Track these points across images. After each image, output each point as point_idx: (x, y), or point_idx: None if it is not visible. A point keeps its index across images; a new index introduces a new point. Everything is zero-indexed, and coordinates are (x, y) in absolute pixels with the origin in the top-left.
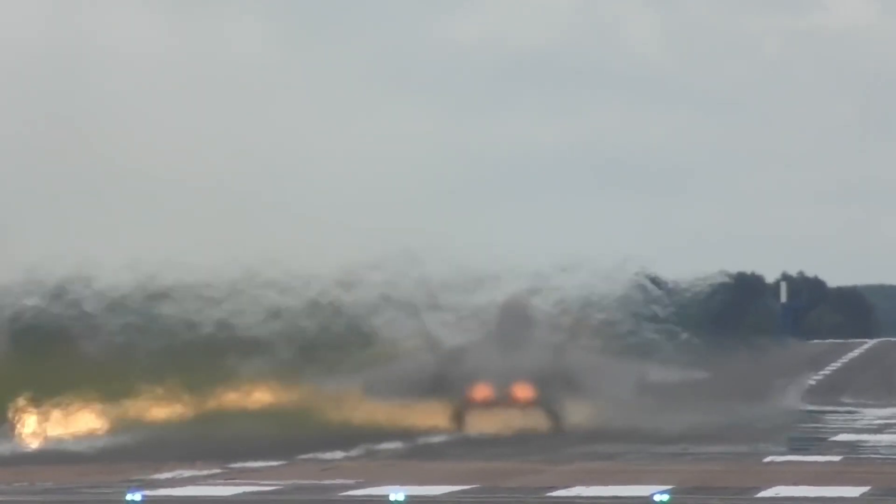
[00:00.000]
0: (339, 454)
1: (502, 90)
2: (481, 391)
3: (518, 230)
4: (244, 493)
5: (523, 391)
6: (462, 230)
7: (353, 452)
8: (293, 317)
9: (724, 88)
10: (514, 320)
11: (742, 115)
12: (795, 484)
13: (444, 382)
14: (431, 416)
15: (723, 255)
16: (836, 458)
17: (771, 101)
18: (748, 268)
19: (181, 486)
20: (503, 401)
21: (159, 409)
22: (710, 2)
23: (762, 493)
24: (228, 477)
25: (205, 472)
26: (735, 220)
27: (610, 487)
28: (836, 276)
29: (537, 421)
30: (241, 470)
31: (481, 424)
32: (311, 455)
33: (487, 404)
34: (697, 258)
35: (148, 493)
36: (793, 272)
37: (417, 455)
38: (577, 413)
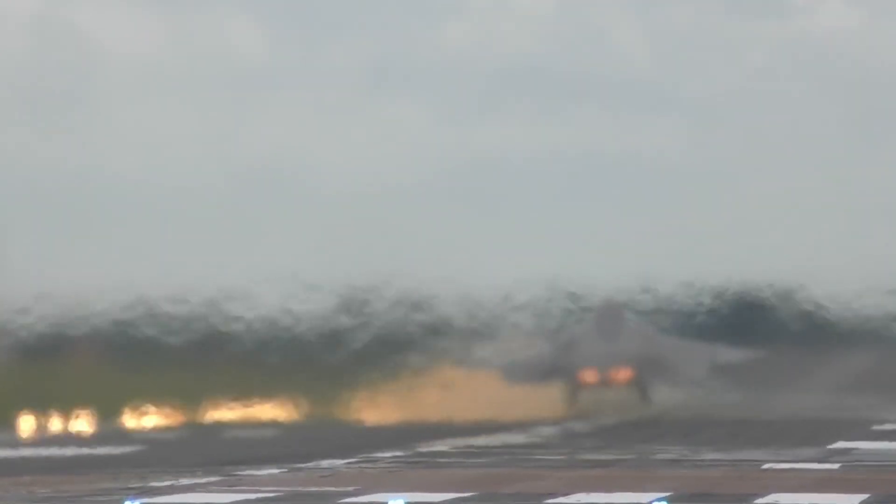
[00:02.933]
0: (338, 461)
1: (490, 97)
2: (589, 375)
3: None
4: (243, 501)
5: (622, 374)
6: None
7: (353, 459)
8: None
9: (711, 95)
10: (610, 317)
11: (730, 121)
12: (794, 491)
13: (558, 369)
14: (547, 400)
15: (722, 260)
16: (835, 466)
17: (758, 108)
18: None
19: (181, 493)
20: (606, 382)
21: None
22: (696, 9)
23: (759, 501)
24: (228, 484)
25: (204, 480)
26: (729, 226)
27: (611, 494)
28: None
29: (632, 399)
30: (242, 477)
31: (589, 403)
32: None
33: (594, 385)
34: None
35: (147, 500)
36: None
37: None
38: (662, 393)
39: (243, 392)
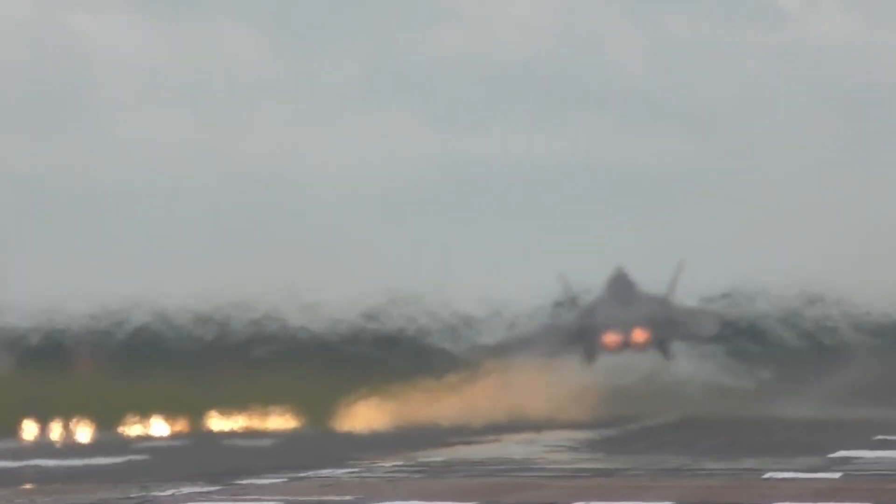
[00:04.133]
0: (339, 471)
1: (485, 105)
2: (610, 338)
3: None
4: None
5: (641, 335)
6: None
7: (355, 468)
8: None
9: (707, 103)
10: (619, 285)
11: (727, 129)
12: (795, 500)
13: (582, 333)
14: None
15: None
16: (836, 476)
17: (755, 116)
18: None
19: (182, 502)
20: (627, 344)
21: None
22: (692, 18)
23: None
24: (230, 493)
25: (205, 489)
26: (723, 235)
27: None
28: None
29: (653, 358)
30: (243, 486)
31: (613, 364)
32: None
33: (615, 348)
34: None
35: None
36: None
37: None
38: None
39: (245, 401)
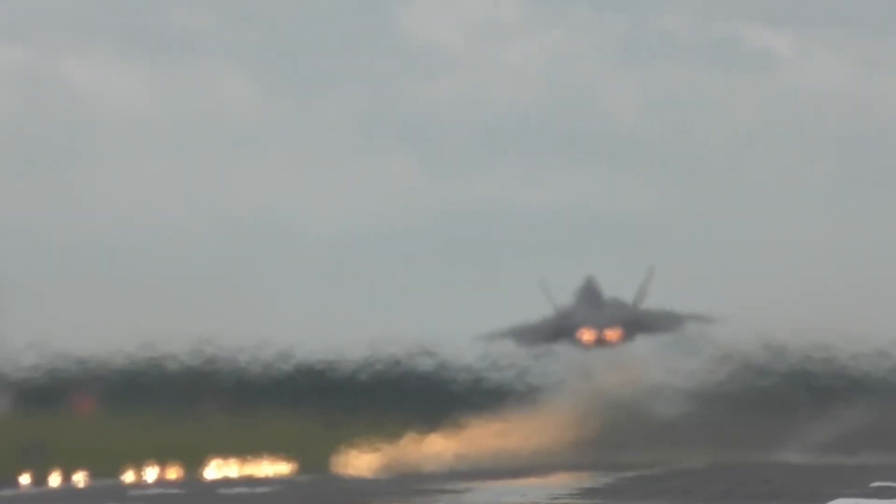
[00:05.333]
0: None
1: (482, 151)
2: (586, 334)
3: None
4: None
5: (612, 333)
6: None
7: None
8: None
9: (700, 151)
10: (589, 292)
11: (720, 176)
12: None
13: (561, 331)
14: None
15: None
16: None
17: (747, 164)
18: None
19: None
20: (601, 340)
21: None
22: (685, 66)
23: None
24: None
25: None
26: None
27: None
28: None
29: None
30: None
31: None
32: None
33: (591, 343)
34: None
35: None
36: None
37: None
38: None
39: (238, 446)
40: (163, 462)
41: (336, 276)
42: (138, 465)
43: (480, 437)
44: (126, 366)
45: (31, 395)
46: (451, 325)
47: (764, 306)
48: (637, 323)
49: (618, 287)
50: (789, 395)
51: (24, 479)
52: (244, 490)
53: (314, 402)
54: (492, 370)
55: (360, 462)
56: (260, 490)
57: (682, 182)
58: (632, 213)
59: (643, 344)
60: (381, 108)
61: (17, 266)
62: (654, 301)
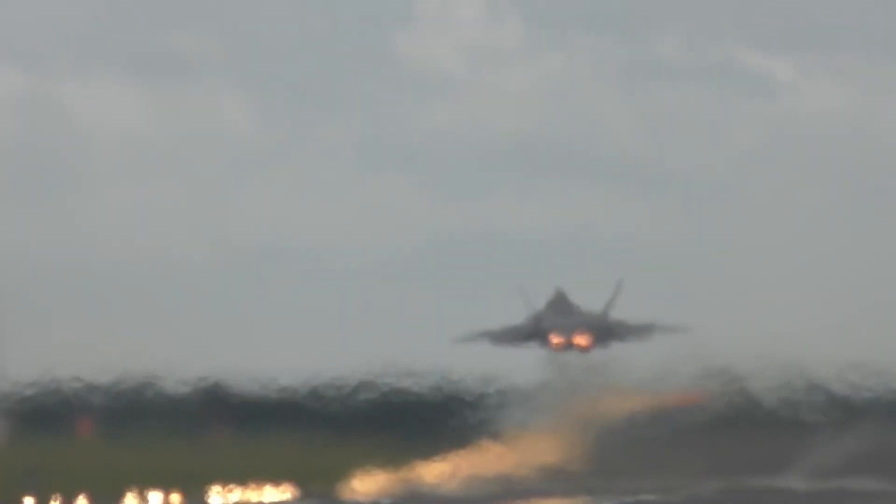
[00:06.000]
0: None
1: (481, 176)
2: (556, 338)
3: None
4: None
5: (581, 339)
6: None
7: None
8: None
9: (701, 175)
10: (560, 301)
11: (719, 199)
12: None
13: (533, 335)
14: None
15: None
16: None
17: (747, 187)
18: None
19: None
20: (570, 345)
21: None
22: (684, 88)
23: None
24: None
25: None
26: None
27: None
28: None
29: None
30: None
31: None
32: None
33: (561, 347)
34: None
35: None
36: None
37: None
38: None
39: (246, 472)
40: (165, 488)
41: (337, 299)
42: (139, 490)
43: (483, 460)
44: (127, 390)
45: (32, 419)
46: (450, 346)
47: (763, 326)
48: (606, 330)
49: (623, 309)
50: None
51: (27, 503)
52: None
53: (316, 427)
54: (494, 395)
55: (363, 486)
56: None
57: (681, 204)
58: (629, 234)
59: (627, 361)
60: (380, 132)
61: (17, 290)
62: (657, 318)
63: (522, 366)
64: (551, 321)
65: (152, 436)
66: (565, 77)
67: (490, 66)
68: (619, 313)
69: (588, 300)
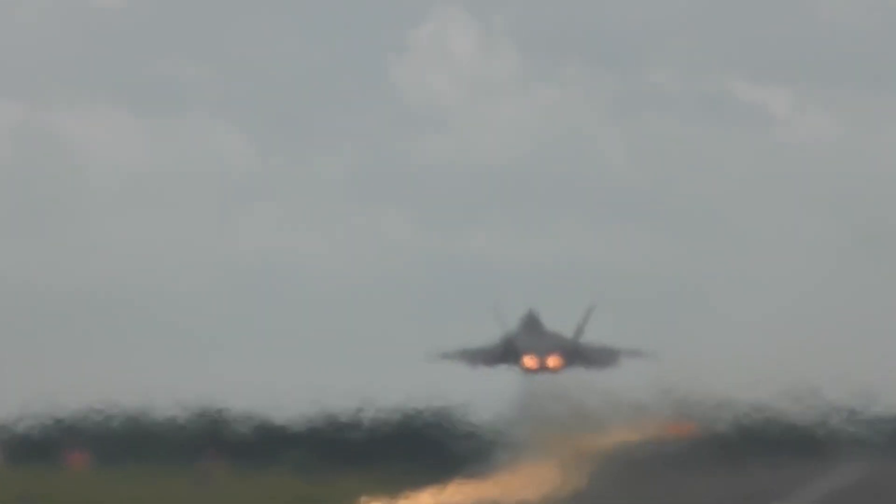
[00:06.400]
0: None
1: (476, 206)
2: (528, 360)
3: None
4: None
5: (554, 360)
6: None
7: None
8: None
9: (694, 205)
10: (531, 323)
11: (714, 232)
12: None
13: (505, 356)
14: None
15: None
16: None
17: (742, 219)
18: None
19: None
20: (543, 366)
21: None
22: (679, 119)
23: None
24: None
25: None
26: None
27: None
28: None
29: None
30: None
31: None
32: None
33: (533, 368)
34: None
35: None
36: None
37: None
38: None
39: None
40: None
41: (332, 328)
42: None
43: (483, 490)
44: (122, 420)
45: (26, 448)
46: (444, 376)
47: (755, 357)
48: (576, 353)
49: (619, 338)
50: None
51: None
52: None
53: (314, 457)
54: (488, 428)
55: None
56: None
57: (675, 235)
58: (622, 264)
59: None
60: (374, 163)
61: (11, 319)
62: (638, 345)
63: (509, 393)
64: (524, 343)
65: (147, 466)
66: (559, 108)
67: (484, 97)
68: (609, 340)
69: (588, 331)
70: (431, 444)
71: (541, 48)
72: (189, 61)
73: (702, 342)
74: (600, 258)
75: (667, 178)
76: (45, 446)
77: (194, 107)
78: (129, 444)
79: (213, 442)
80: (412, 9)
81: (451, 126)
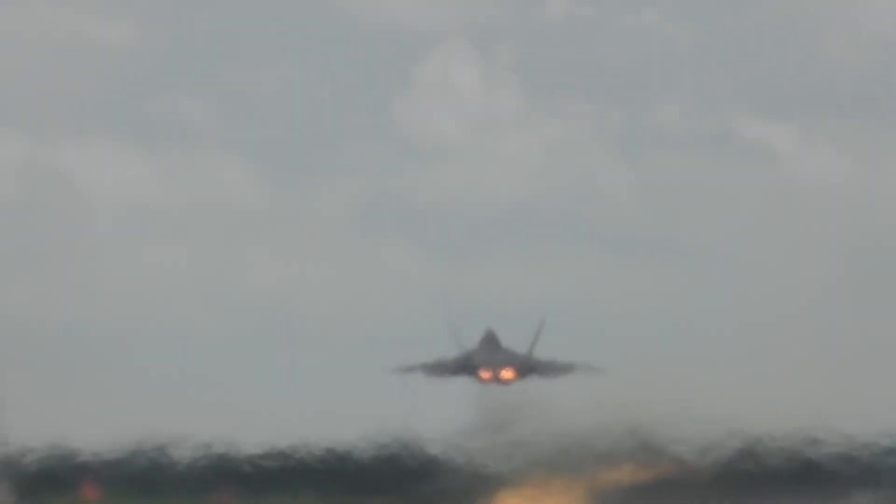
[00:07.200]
0: None
1: (480, 241)
2: (484, 373)
3: None
4: None
5: (508, 373)
6: None
7: None
8: None
9: (699, 242)
10: (489, 340)
11: (720, 268)
12: None
13: (463, 369)
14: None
15: None
16: None
17: (749, 255)
18: None
19: None
20: (497, 379)
21: None
22: (684, 155)
23: None
24: None
25: None
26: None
27: None
28: None
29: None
30: None
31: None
32: None
33: (489, 380)
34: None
35: None
36: None
37: None
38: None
39: None
40: None
41: (339, 363)
42: None
43: None
44: (132, 455)
45: (39, 484)
46: (447, 411)
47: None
48: (529, 367)
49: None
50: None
51: None
52: None
53: (324, 492)
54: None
55: None
56: None
57: (680, 271)
58: (627, 300)
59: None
60: (379, 198)
61: (21, 356)
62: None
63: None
64: (481, 357)
65: (159, 499)
66: (564, 144)
67: (488, 133)
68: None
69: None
70: (443, 475)
71: (545, 84)
72: (196, 97)
73: (698, 373)
74: (606, 292)
75: (672, 213)
76: (58, 480)
77: (201, 142)
78: (141, 478)
79: (224, 477)
80: (416, 45)
81: (455, 161)
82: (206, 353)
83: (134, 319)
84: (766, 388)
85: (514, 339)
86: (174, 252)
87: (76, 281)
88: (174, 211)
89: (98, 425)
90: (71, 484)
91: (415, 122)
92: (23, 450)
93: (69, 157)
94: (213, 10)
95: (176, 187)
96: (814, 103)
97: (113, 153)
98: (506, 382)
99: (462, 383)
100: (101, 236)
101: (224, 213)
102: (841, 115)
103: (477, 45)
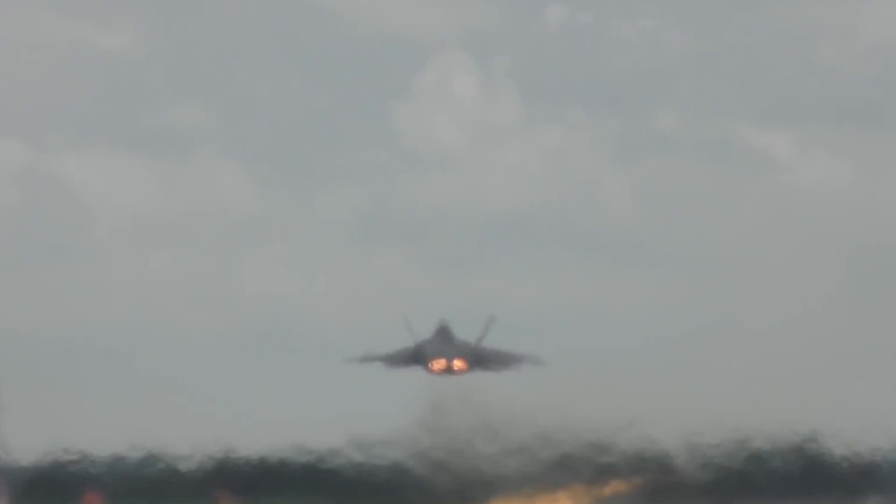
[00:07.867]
0: None
1: (479, 249)
2: (436, 364)
3: None
4: None
5: (459, 363)
6: None
7: None
8: None
9: (698, 249)
10: (443, 332)
11: (718, 276)
12: None
13: (416, 359)
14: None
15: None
16: None
17: (747, 262)
18: None
19: None
20: (449, 370)
21: None
22: (682, 163)
23: None
24: None
25: None
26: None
27: None
28: None
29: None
30: None
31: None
32: None
33: (441, 371)
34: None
35: None
36: None
37: None
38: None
39: None
40: None
41: (337, 371)
42: None
43: None
44: (131, 462)
45: (38, 492)
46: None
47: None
48: (478, 357)
49: (615, 385)
50: None
51: None
52: None
53: (323, 496)
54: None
55: None
56: None
57: (679, 279)
58: (626, 309)
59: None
60: (378, 206)
61: (20, 364)
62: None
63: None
64: (432, 349)
65: None
66: (562, 151)
67: (487, 141)
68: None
69: (589, 374)
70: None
71: (544, 92)
72: (195, 105)
73: (709, 383)
74: (605, 300)
75: (670, 220)
76: (58, 487)
77: (201, 150)
78: (140, 483)
79: (223, 482)
80: (415, 54)
81: (454, 169)
82: (205, 360)
83: (133, 326)
84: (766, 393)
85: (513, 344)
86: (173, 259)
87: (76, 288)
88: (173, 218)
89: (97, 432)
90: (70, 490)
91: (413, 130)
92: (22, 458)
93: (69, 165)
94: (212, 19)
95: (175, 195)
96: (812, 110)
97: (112, 161)
98: (456, 372)
99: (413, 373)
100: (100, 243)
101: (223, 220)
102: (839, 123)
103: (475, 54)
